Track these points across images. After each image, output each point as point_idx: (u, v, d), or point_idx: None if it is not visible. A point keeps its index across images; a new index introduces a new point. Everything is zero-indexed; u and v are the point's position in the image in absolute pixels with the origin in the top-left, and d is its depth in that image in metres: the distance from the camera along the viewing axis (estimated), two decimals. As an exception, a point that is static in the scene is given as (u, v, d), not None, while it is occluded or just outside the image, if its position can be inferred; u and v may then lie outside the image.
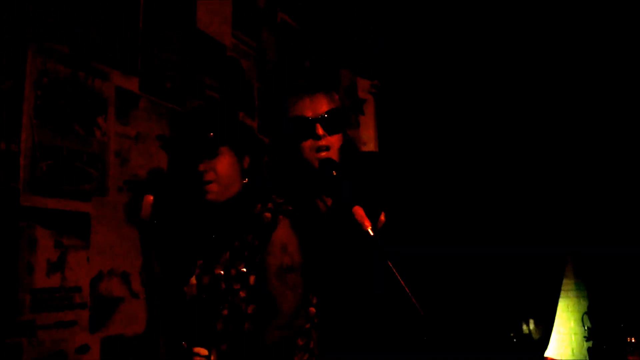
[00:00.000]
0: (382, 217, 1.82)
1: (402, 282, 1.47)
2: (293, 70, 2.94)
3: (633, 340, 3.89)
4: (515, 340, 4.24)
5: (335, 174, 1.73)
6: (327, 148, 1.84)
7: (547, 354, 4.44)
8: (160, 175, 2.04)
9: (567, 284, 4.68)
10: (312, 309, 1.80)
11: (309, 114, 1.85)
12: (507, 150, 4.08)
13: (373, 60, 3.60)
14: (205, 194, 1.77)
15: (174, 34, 2.19)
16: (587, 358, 4.31)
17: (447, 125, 3.97)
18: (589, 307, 4.55)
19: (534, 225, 4.15)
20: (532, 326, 4.37)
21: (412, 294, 1.47)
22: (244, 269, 1.71)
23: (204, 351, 1.66)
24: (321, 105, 1.86)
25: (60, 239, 1.68)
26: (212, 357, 1.65)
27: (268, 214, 1.74)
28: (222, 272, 1.73)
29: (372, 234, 1.52)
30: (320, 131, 1.83)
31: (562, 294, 4.62)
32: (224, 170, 1.77)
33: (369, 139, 3.41)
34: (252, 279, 1.71)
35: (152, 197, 1.77)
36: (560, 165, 4.20)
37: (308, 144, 1.84)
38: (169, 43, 2.16)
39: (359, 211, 1.55)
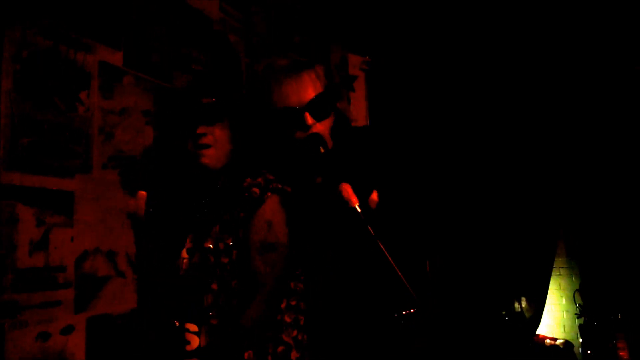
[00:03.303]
0: (375, 196, 1.76)
1: (391, 261, 1.44)
2: (282, 45, 2.88)
3: (623, 317, 3.91)
4: (507, 318, 4.25)
5: (322, 150, 1.66)
6: (318, 136, 1.71)
7: (539, 331, 4.46)
8: (148, 151, 1.99)
9: (559, 262, 4.69)
10: (301, 285, 1.76)
11: (295, 101, 1.69)
12: (500, 126, 4.05)
13: (365, 35, 3.54)
14: (200, 157, 1.74)
15: (160, 6, 2.13)
16: (579, 335, 4.33)
17: (439, 101, 3.93)
18: (580, 285, 4.57)
19: (526, 202, 4.14)
20: (524, 304, 4.38)
21: (402, 272, 1.44)
22: (231, 243, 1.68)
23: (194, 327, 1.63)
24: (307, 90, 1.70)
25: (43, 217, 1.63)
26: (202, 333, 1.62)
27: (256, 189, 1.70)
28: (211, 246, 1.70)
29: (359, 210, 1.47)
30: (310, 120, 1.69)
31: (554, 271, 4.63)
32: (222, 137, 1.75)
33: (359, 116, 3.36)
34: (234, 253, 1.68)
35: (145, 193, 1.73)
36: (554, 141, 4.18)
37: (298, 134, 1.71)
38: (155, 16, 2.09)
39: (346, 188, 1.50)
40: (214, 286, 1.66)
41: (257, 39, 2.71)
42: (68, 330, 1.69)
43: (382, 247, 1.43)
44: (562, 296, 4.69)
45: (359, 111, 3.36)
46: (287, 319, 1.70)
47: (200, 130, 1.73)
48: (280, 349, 1.67)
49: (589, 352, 4.18)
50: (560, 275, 4.71)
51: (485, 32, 3.87)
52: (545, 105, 4.13)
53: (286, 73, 1.72)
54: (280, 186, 1.72)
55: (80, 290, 1.73)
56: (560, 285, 4.71)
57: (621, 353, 3.86)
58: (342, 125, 1.82)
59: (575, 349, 4.35)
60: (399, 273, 1.43)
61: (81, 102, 1.78)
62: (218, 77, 2.04)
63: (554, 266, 4.63)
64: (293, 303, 1.72)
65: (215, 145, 1.74)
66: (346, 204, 1.48)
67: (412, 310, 1.61)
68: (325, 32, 3.29)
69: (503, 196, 4.03)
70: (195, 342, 1.64)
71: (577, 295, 4.52)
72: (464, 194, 3.84)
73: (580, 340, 4.31)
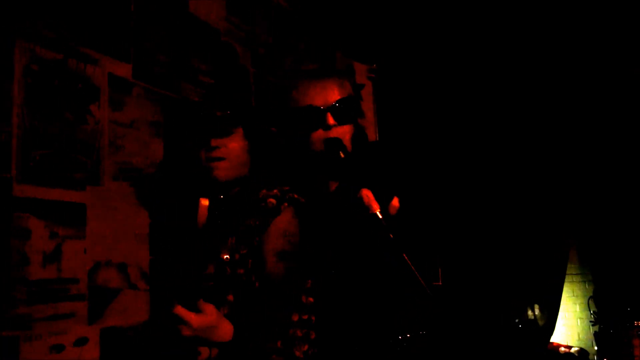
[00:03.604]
0: (396, 203, 1.75)
1: (412, 268, 1.42)
2: (288, 54, 2.89)
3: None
4: (520, 326, 4.22)
5: (342, 156, 1.65)
6: (338, 139, 1.70)
7: (553, 339, 4.42)
8: (157, 163, 2.00)
9: (572, 269, 4.66)
10: (311, 299, 1.75)
11: (319, 102, 1.71)
12: (514, 133, 4.04)
13: (370, 43, 3.55)
14: (213, 170, 1.73)
15: (168, 19, 2.14)
16: (594, 342, 4.29)
17: (450, 110, 3.93)
18: (594, 292, 4.53)
19: (539, 209, 4.12)
20: (537, 312, 4.34)
21: (422, 277, 1.43)
22: (245, 253, 1.68)
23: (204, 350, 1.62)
24: (332, 93, 1.73)
25: (56, 230, 1.64)
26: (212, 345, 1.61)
27: (272, 200, 1.70)
28: (227, 257, 1.70)
29: (380, 217, 1.46)
30: (331, 121, 1.70)
31: (567, 278, 4.59)
32: (235, 150, 1.74)
33: (367, 126, 3.36)
34: (249, 262, 1.67)
35: (207, 201, 1.72)
36: (567, 148, 4.16)
37: (317, 134, 1.71)
38: (162, 28, 2.11)
39: (367, 194, 1.49)
40: (230, 298, 1.65)
41: (263, 49, 2.73)
42: (82, 342, 1.68)
43: (404, 255, 1.42)
44: (576, 303, 4.64)
45: (367, 121, 3.36)
46: (299, 334, 1.69)
47: (213, 143, 1.72)
48: None
49: None
50: (573, 282, 4.67)
51: (493, 39, 3.87)
52: (558, 115, 4.13)
53: (313, 76, 1.76)
54: (296, 196, 1.72)
55: (93, 302, 1.73)
56: (573, 292, 4.67)
57: None
58: (360, 139, 1.83)
59: (590, 356, 4.31)
60: (421, 279, 1.42)
61: (91, 115, 1.79)
62: (227, 88, 2.05)
63: (567, 273, 4.59)
64: (305, 317, 1.71)
65: (228, 157, 1.74)
66: (367, 210, 1.47)
67: (424, 332, 1.61)
68: (330, 40, 3.30)
69: (516, 203, 4.02)
70: (205, 353, 1.63)
71: (591, 302, 4.48)
72: (476, 202, 3.83)
73: (596, 348, 4.26)
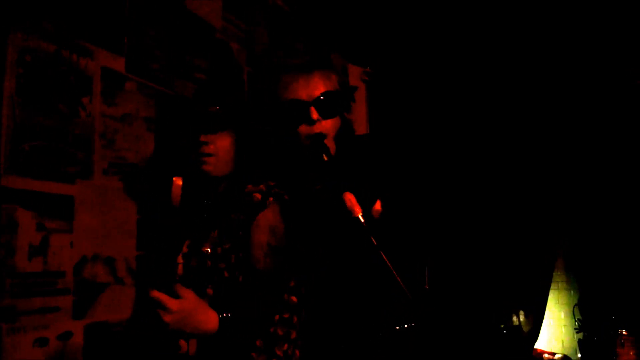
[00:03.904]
0: (378, 206, 1.75)
1: (393, 272, 1.42)
2: (284, 53, 2.88)
3: (624, 333, 3.88)
4: (505, 332, 4.23)
5: (326, 159, 1.64)
6: (323, 137, 1.70)
7: (537, 346, 4.44)
8: (149, 158, 1.99)
9: (558, 276, 4.67)
10: (294, 298, 1.74)
11: (304, 96, 1.71)
12: (500, 138, 4.05)
13: (366, 45, 3.55)
14: (202, 165, 1.73)
15: (163, 13, 2.13)
16: (578, 350, 4.31)
17: (438, 111, 3.93)
18: (579, 299, 4.55)
19: (526, 216, 4.13)
20: (522, 318, 4.35)
21: (403, 281, 1.43)
22: (229, 247, 1.67)
23: (183, 343, 1.61)
24: (317, 87, 1.72)
25: (43, 222, 1.63)
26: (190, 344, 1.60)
27: (258, 195, 1.70)
28: (209, 250, 1.69)
29: (362, 220, 1.46)
30: (315, 115, 1.69)
31: (553, 285, 4.61)
32: (224, 147, 1.75)
33: (360, 128, 3.36)
34: (232, 257, 1.67)
35: (181, 180, 1.71)
36: (554, 152, 4.18)
37: (302, 129, 1.71)
38: (157, 23, 2.10)
39: (349, 197, 1.49)
40: (209, 291, 1.64)
41: (259, 48, 2.72)
42: (66, 336, 1.67)
43: (385, 258, 1.41)
44: (560, 310, 4.66)
45: (359, 122, 3.37)
46: (280, 332, 1.69)
47: (203, 138, 1.73)
48: None
49: (588, 367, 4.15)
50: (558, 289, 4.69)
51: (484, 43, 3.88)
52: (544, 119, 4.14)
53: (299, 69, 1.74)
54: (281, 192, 1.72)
55: (78, 296, 1.72)
56: (558, 299, 4.68)
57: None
58: (347, 133, 1.81)
59: (573, 364, 4.33)
60: (401, 284, 1.42)
61: (83, 108, 1.78)
62: (221, 85, 2.04)
63: (553, 280, 4.60)
64: (286, 316, 1.71)
65: (217, 154, 1.74)
66: (349, 213, 1.46)
67: (412, 324, 1.60)
68: (326, 42, 3.30)
69: (502, 208, 4.03)
70: (184, 347, 1.62)
71: (576, 310, 4.49)
72: (462, 206, 3.84)
73: (579, 355, 4.28)
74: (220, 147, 1.75)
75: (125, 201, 1.91)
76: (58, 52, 1.71)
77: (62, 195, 1.69)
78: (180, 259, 1.74)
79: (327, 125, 1.72)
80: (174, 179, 1.72)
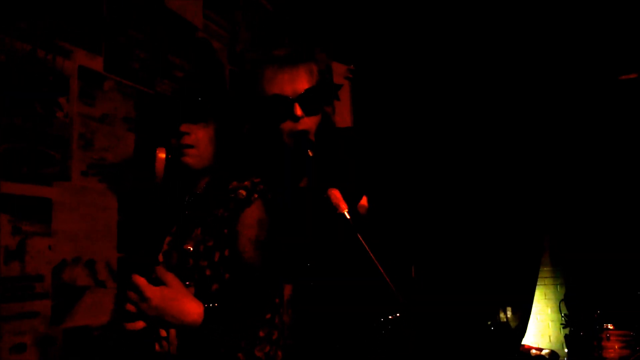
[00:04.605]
0: (365, 202, 1.73)
1: (380, 269, 1.40)
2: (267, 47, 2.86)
3: (610, 327, 3.90)
4: (492, 328, 4.24)
5: (311, 154, 1.61)
6: (306, 133, 1.67)
7: (524, 341, 4.45)
8: (129, 159, 1.95)
9: (545, 272, 4.70)
10: (277, 299, 1.72)
11: (288, 91, 1.66)
12: (486, 134, 4.06)
13: (349, 43, 3.53)
14: (183, 156, 1.69)
15: (142, 12, 2.10)
16: (564, 345, 4.33)
17: (422, 107, 3.92)
18: (565, 295, 4.57)
19: (512, 211, 4.14)
20: (509, 314, 4.37)
21: (390, 279, 1.41)
22: (212, 245, 1.63)
23: (162, 332, 1.57)
24: (301, 82, 1.67)
25: (20, 225, 1.59)
26: (170, 338, 1.56)
27: (243, 191, 1.66)
28: (190, 248, 1.65)
29: (348, 217, 1.44)
30: (299, 112, 1.64)
31: (540, 281, 4.63)
32: (204, 139, 1.70)
33: (344, 125, 3.34)
34: (216, 255, 1.63)
35: (164, 153, 1.66)
36: (540, 149, 4.19)
37: (285, 125, 1.67)
38: (136, 22, 2.06)
39: (335, 193, 1.47)
40: (192, 290, 1.60)
41: (241, 46, 2.69)
42: (46, 342, 1.64)
43: (370, 254, 1.40)
44: (547, 306, 4.69)
45: (343, 119, 3.34)
46: (261, 334, 1.66)
47: (183, 128, 1.68)
48: None
49: (575, 362, 4.17)
50: (545, 285, 4.71)
51: (467, 38, 3.88)
52: (530, 114, 4.15)
53: (283, 62, 1.68)
54: (266, 189, 1.69)
55: (58, 300, 1.68)
56: (545, 295, 4.71)
57: (607, 363, 3.85)
58: (327, 127, 1.78)
59: (560, 359, 4.35)
60: (387, 279, 1.40)
61: (60, 108, 1.74)
62: (202, 78, 2.00)
63: (540, 276, 4.63)
64: (268, 317, 1.68)
65: (198, 145, 1.69)
66: (334, 209, 1.44)
67: (397, 315, 1.59)
68: (310, 40, 3.27)
69: (489, 204, 4.03)
70: (165, 347, 1.58)
71: (562, 305, 4.51)
72: (449, 202, 3.84)
73: (566, 350, 4.30)
74: (201, 139, 1.70)
75: (106, 202, 1.87)
76: (34, 51, 1.67)
77: (39, 197, 1.66)
78: (160, 258, 1.70)
79: (310, 121, 1.69)
80: (157, 150, 1.66)
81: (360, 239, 1.40)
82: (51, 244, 1.68)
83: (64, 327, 1.70)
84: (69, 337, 1.71)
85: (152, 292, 1.40)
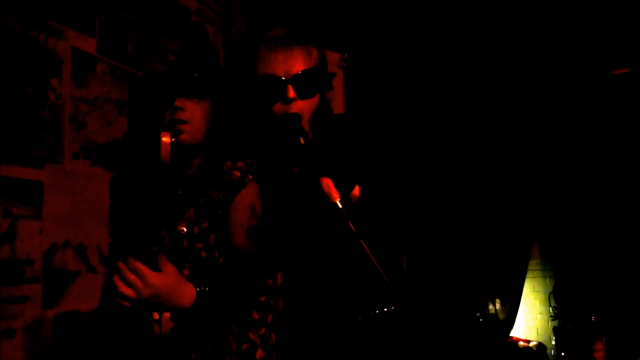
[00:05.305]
0: (357, 192, 1.70)
1: (372, 258, 1.39)
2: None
3: (598, 319, 3.93)
4: (481, 320, 4.25)
5: (302, 142, 1.55)
6: (298, 117, 1.61)
7: (512, 333, 4.47)
8: (121, 142, 1.92)
9: (533, 265, 4.71)
10: (270, 281, 1.69)
11: (281, 72, 1.61)
12: (477, 124, 4.05)
13: (343, 31, 3.50)
14: (178, 133, 1.65)
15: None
16: (553, 337, 4.35)
17: (415, 97, 3.91)
18: (554, 287, 4.59)
19: (502, 203, 4.14)
20: (498, 306, 4.38)
21: (382, 269, 1.40)
22: (207, 226, 1.61)
23: (155, 315, 1.55)
24: (296, 63, 1.62)
25: (10, 208, 1.56)
26: (162, 321, 1.55)
27: (237, 172, 1.63)
28: (184, 229, 1.63)
29: (340, 206, 1.42)
30: (291, 93, 1.60)
31: (528, 274, 4.65)
32: (198, 115, 1.67)
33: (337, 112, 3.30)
34: (212, 237, 1.61)
35: (169, 137, 1.62)
36: (531, 141, 4.20)
37: (276, 108, 1.63)
38: (130, 3, 2.03)
39: (327, 182, 1.44)
40: (186, 272, 1.58)
41: (235, 31, 2.66)
42: (36, 326, 1.61)
43: (363, 243, 1.38)
44: (536, 299, 4.70)
45: (337, 109, 3.31)
46: (255, 316, 1.64)
47: (177, 103, 1.64)
48: (244, 346, 1.61)
49: (562, 354, 4.19)
50: (534, 277, 4.73)
51: (461, 28, 3.87)
52: (523, 106, 4.15)
53: (279, 42, 1.64)
54: (260, 171, 1.66)
55: (48, 285, 1.66)
56: (534, 287, 4.72)
57: (596, 355, 3.88)
58: (325, 114, 1.75)
59: (548, 351, 4.37)
60: (380, 269, 1.38)
61: (52, 89, 1.71)
62: (197, 57, 1.96)
63: (528, 269, 4.64)
64: (262, 299, 1.66)
65: (192, 121, 1.66)
66: (326, 198, 1.42)
67: (391, 308, 1.58)
68: (305, 27, 3.24)
69: (479, 196, 4.03)
70: (157, 330, 1.56)
71: (551, 298, 4.54)
72: (440, 194, 3.83)
73: (554, 342, 4.32)
74: (195, 116, 1.66)
75: (97, 186, 1.84)
76: (25, 31, 1.63)
77: (30, 180, 1.62)
78: (153, 239, 1.67)
79: (304, 105, 1.64)
80: (161, 135, 1.62)
81: (352, 228, 1.38)
82: (42, 227, 1.65)
83: (55, 312, 1.67)
84: (59, 322, 1.68)
85: (150, 276, 1.39)
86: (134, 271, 1.39)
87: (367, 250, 1.38)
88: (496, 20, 3.85)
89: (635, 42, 3.97)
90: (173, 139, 1.62)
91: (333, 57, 3.43)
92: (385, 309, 1.58)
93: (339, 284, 1.66)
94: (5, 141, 1.56)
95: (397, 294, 1.44)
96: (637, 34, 3.90)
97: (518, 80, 4.10)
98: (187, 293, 1.46)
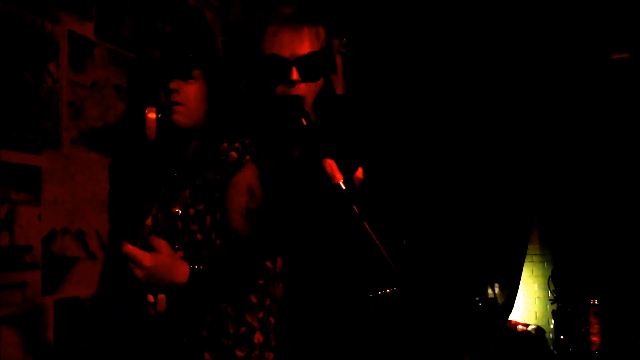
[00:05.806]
0: (360, 174, 1.68)
1: (375, 239, 1.38)
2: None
3: (596, 303, 3.94)
4: (480, 304, 4.26)
5: (305, 123, 1.51)
6: (300, 100, 1.57)
7: (511, 317, 4.48)
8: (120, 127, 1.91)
9: (532, 249, 4.71)
10: (269, 264, 1.68)
11: (286, 53, 1.56)
12: (475, 110, 4.04)
13: (343, 16, 3.47)
14: (172, 114, 1.63)
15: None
16: (551, 321, 4.36)
17: (415, 85, 3.89)
18: (553, 271, 4.60)
19: (501, 187, 4.14)
20: (497, 290, 4.39)
21: (385, 251, 1.39)
22: (203, 209, 1.60)
23: (150, 297, 1.54)
24: (302, 44, 1.57)
25: (8, 194, 1.55)
26: (157, 302, 1.54)
27: (234, 153, 1.61)
28: (179, 211, 1.61)
29: (343, 187, 1.40)
30: (295, 76, 1.56)
31: (527, 258, 4.65)
32: (193, 96, 1.64)
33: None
34: (208, 219, 1.60)
35: (154, 113, 1.60)
36: (528, 126, 4.18)
37: (279, 89, 1.58)
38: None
39: (330, 163, 1.43)
40: (180, 253, 1.56)
41: (234, 17, 2.63)
42: (35, 313, 1.61)
43: (366, 225, 1.37)
44: (534, 283, 4.71)
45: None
46: (253, 300, 1.63)
47: (173, 85, 1.62)
48: (242, 330, 1.60)
49: (561, 337, 4.21)
50: (533, 262, 4.73)
51: (459, 16, 3.84)
52: (518, 92, 4.13)
53: (286, 21, 1.60)
54: (258, 152, 1.64)
55: (48, 271, 1.65)
56: (532, 271, 4.73)
57: (593, 338, 3.89)
58: (329, 96, 1.72)
59: (546, 334, 4.39)
60: (383, 251, 1.38)
61: (50, 74, 1.69)
62: (193, 39, 1.94)
63: (527, 253, 4.65)
64: (261, 282, 1.65)
65: (187, 103, 1.63)
66: (330, 180, 1.40)
67: (389, 289, 1.57)
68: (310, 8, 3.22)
69: (478, 180, 4.03)
70: (151, 312, 1.56)
71: (550, 282, 4.54)
72: (439, 176, 3.83)
73: (552, 326, 4.34)
74: (190, 96, 1.64)
75: (96, 172, 1.84)
76: (21, 14, 1.61)
77: (28, 166, 1.61)
78: (149, 222, 1.65)
79: (307, 88, 1.60)
80: (146, 111, 1.61)
81: (356, 210, 1.37)
82: (41, 213, 1.64)
83: (54, 298, 1.67)
84: (60, 309, 1.68)
85: (143, 258, 1.35)
86: (127, 256, 1.37)
87: (371, 232, 1.37)
88: (498, 7, 3.82)
89: (634, 27, 3.95)
90: (159, 115, 1.60)
91: (332, 42, 3.40)
92: (388, 290, 1.58)
93: (341, 267, 1.65)
94: (2, 127, 1.54)
95: (399, 275, 1.44)
96: (637, 19, 3.87)
97: (517, 68, 4.08)
98: (181, 269, 1.41)
